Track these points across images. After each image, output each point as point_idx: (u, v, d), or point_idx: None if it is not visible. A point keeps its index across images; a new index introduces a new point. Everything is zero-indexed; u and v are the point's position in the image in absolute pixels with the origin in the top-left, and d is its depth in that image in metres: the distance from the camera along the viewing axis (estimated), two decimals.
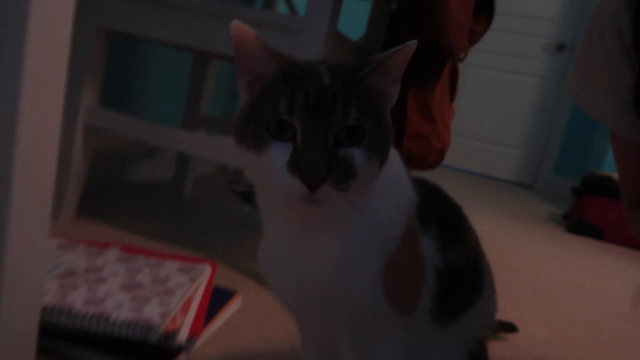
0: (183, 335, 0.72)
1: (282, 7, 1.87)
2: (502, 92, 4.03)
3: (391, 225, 0.48)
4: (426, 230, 0.51)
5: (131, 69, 1.59)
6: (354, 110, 0.41)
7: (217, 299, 0.88)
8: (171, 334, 0.70)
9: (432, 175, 0.66)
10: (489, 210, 2.60)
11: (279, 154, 0.41)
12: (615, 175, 2.47)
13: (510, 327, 1.05)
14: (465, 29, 1.21)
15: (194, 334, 0.74)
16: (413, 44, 0.42)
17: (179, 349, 0.71)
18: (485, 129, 4.07)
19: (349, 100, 0.41)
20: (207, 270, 0.93)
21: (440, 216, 0.53)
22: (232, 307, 0.91)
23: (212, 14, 1.03)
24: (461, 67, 1.41)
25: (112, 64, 1.39)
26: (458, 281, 0.53)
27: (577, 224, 2.52)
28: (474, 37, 1.32)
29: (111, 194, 1.51)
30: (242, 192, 1.81)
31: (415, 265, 0.49)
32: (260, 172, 0.43)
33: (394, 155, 0.49)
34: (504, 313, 1.21)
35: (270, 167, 0.41)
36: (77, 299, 0.71)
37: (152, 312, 0.72)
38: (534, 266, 1.70)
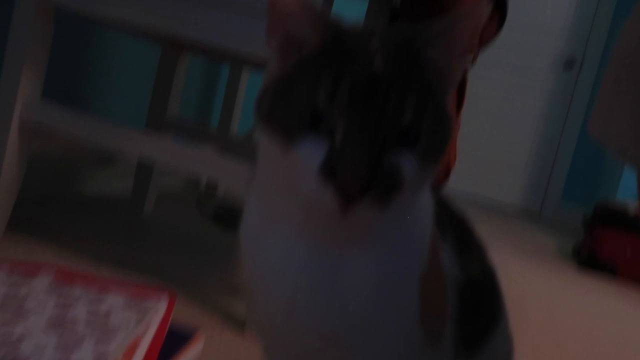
0: None
1: None
2: (507, 110, 4.02)
3: (425, 234, 0.43)
4: (443, 238, 0.46)
5: (85, 58, 1.49)
6: (411, 105, 0.36)
7: (172, 340, 0.77)
8: None
9: None
10: (493, 244, 2.51)
11: (311, 153, 0.36)
12: (631, 207, 2.47)
13: None
14: None
15: None
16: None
17: None
18: (488, 150, 4.04)
19: (406, 92, 0.36)
20: (161, 304, 0.82)
21: (450, 222, 0.49)
22: (191, 351, 0.80)
23: None
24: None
25: (62, 51, 1.29)
26: (479, 299, 0.50)
27: (589, 259, 2.47)
28: (484, 36, 1.28)
29: (55, 208, 1.39)
30: (213, 213, 1.70)
31: (440, 278, 0.45)
32: (281, 169, 0.39)
33: None
34: None
35: (298, 169, 0.36)
36: None
37: (83, 356, 0.60)
38: (546, 310, 1.62)
